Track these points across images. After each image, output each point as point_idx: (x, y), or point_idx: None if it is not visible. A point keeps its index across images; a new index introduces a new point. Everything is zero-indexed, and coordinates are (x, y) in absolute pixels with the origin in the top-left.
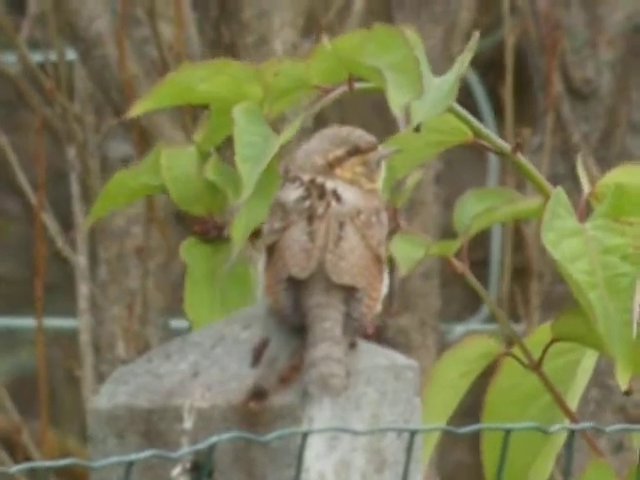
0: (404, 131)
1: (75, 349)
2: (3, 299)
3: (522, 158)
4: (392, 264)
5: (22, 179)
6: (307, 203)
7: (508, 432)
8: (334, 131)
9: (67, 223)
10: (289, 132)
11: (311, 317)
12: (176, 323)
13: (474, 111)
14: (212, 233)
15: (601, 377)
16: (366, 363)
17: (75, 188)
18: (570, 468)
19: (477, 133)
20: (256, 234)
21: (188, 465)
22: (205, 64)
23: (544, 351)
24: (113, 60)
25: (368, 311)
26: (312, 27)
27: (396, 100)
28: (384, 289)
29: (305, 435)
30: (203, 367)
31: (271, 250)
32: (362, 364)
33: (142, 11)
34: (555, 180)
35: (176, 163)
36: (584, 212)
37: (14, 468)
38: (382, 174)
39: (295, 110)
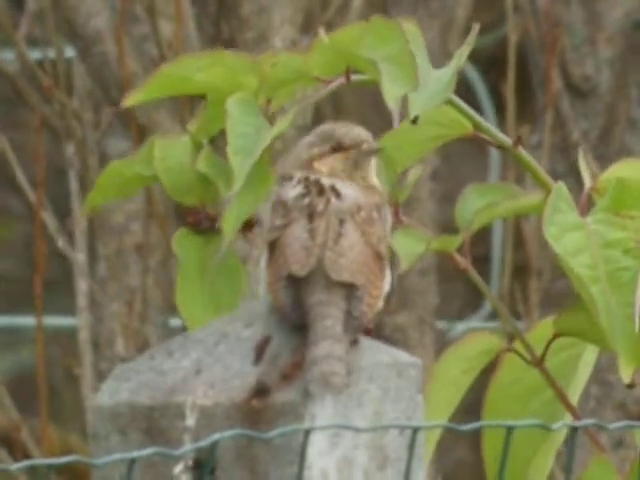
0: (398, 124)
1: (75, 347)
2: (4, 297)
3: (523, 152)
4: (392, 261)
5: (21, 177)
6: (307, 200)
7: (510, 429)
8: (323, 128)
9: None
10: (282, 124)
11: (312, 315)
12: (175, 320)
13: (475, 108)
14: (204, 224)
15: (601, 374)
16: (368, 360)
17: (74, 185)
18: (572, 465)
19: (477, 126)
20: (248, 226)
21: (190, 462)
22: (201, 55)
23: (547, 346)
24: (112, 57)
25: (369, 309)
26: (311, 24)
27: (390, 92)
28: (386, 286)
29: (307, 432)
30: (206, 364)
31: (272, 247)
32: (364, 361)
33: (141, 8)
34: (554, 177)
35: (169, 154)
36: (585, 206)
37: (15, 466)
38: (372, 170)
39: (292, 102)
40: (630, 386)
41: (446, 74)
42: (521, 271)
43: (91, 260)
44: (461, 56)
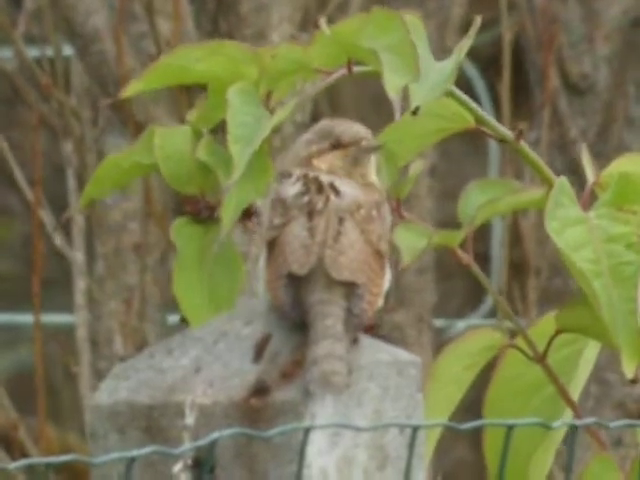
0: (400, 115)
1: (73, 345)
2: (2, 295)
3: (525, 145)
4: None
5: (19, 175)
6: (306, 198)
7: (510, 427)
8: (322, 125)
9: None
10: (282, 113)
11: (312, 314)
12: (174, 318)
13: None
14: (204, 213)
15: (600, 372)
16: (368, 359)
17: (72, 183)
18: (572, 463)
19: (479, 119)
20: (247, 215)
21: (189, 461)
22: (201, 44)
23: (549, 343)
24: (110, 55)
25: (369, 307)
26: (309, 22)
27: (391, 83)
28: (386, 284)
29: (307, 431)
30: (205, 363)
31: (272, 246)
32: (364, 360)
33: (139, 6)
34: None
35: (169, 142)
36: (588, 201)
37: (13, 464)
38: (371, 168)
39: (292, 94)
40: (634, 381)
41: (448, 65)
42: (519, 269)
43: (89, 258)
44: (462, 49)
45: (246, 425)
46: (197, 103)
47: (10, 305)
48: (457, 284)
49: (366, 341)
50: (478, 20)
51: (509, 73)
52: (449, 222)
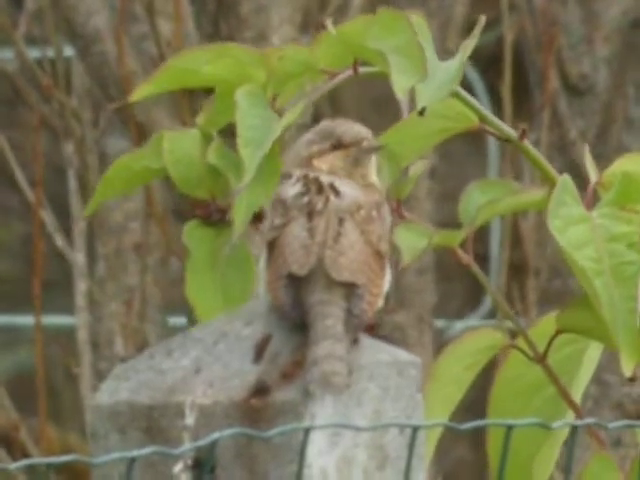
0: (407, 115)
1: (73, 346)
2: (2, 297)
3: (529, 144)
4: (391, 259)
5: (20, 176)
6: (306, 199)
7: (510, 428)
8: (323, 125)
9: (65, 219)
10: (291, 115)
11: (313, 314)
12: (174, 319)
13: None
14: (214, 216)
15: (599, 373)
16: (368, 359)
17: (73, 184)
18: (571, 463)
19: (482, 119)
20: (258, 218)
21: (190, 461)
22: (208, 47)
23: (549, 343)
24: (111, 56)
25: (369, 307)
26: (310, 23)
27: (400, 84)
28: (386, 285)
29: (307, 431)
30: (205, 363)
31: (272, 246)
32: (364, 360)
33: (140, 7)
34: None
35: (178, 146)
36: (591, 201)
37: (14, 465)
38: (371, 168)
39: (298, 96)
40: (632, 379)
41: (453, 65)
42: (519, 270)
43: (90, 260)
44: (467, 49)
45: (246, 425)
46: (204, 106)
47: (10, 306)
48: (456, 285)
49: (366, 341)
50: (482, 20)
51: (510, 74)
52: (448, 223)
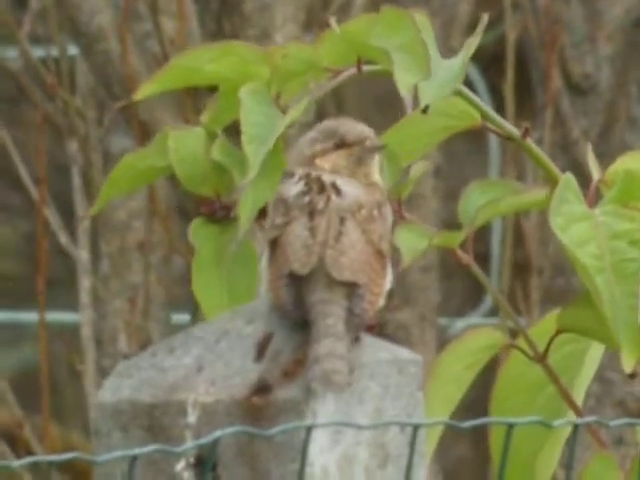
0: (411, 112)
1: (77, 343)
2: (6, 294)
3: (531, 143)
4: (393, 258)
5: (24, 174)
6: (307, 198)
7: (511, 426)
8: (326, 124)
9: (69, 217)
10: (295, 112)
11: (314, 313)
12: (178, 317)
13: None
14: (219, 213)
15: (601, 371)
16: (369, 357)
17: (77, 182)
18: (572, 462)
19: (485, 117)
20: (263, 214)
21: (192, 459)
22: (212, 45)
23: (549, 343)
24: (115, 55)
25: (370, 307)
26: (313, 22)
27: (404, 81)
28: (387, 284)
29: (309, 429)
30: (207, 362)
31: (273, 245)
32: (365, 358)
33: (144, 6)
34: None
35: (183, 144)
36: (593, 198)
37: (18, 462)
38: (374, 167)
39: (302, 93)
40: (632, 376)
41: (456, 63)
42: (521, 269)
43: (94, 257)
44: (470, 46)
45: (248, 423)
46: (208, 104)
47: (15, 303)
48: (457, 283)
49: (367, 340)
50: (485, 18)
51: (513, 73)
52: (454, 222)
